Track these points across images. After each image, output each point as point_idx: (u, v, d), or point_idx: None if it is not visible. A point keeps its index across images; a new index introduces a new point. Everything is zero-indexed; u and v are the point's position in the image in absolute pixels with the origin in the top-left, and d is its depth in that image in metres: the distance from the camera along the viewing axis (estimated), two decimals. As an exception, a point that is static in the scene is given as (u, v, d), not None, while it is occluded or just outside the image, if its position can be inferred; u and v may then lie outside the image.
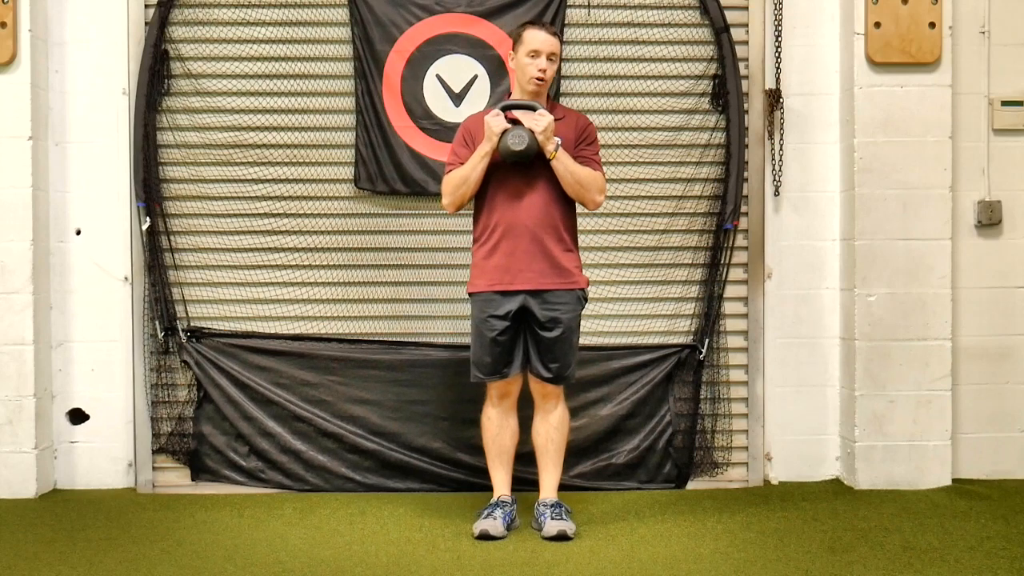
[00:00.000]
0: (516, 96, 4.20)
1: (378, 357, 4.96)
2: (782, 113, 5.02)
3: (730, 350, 5.00)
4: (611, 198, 5.00)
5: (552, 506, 4.18)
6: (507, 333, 4.15)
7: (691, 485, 4.97)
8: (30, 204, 4.80)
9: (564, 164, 4.05)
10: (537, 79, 4.09)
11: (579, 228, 4.99)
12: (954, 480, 4.96)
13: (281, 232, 5.00)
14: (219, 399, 4.93)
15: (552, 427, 4.22)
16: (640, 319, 5.04)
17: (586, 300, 4.24)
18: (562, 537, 4.04)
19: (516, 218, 4.10)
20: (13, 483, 4.79)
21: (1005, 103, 5.06)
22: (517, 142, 4.01)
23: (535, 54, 4.09)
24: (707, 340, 4.94)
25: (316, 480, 4.93)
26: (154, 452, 4.94)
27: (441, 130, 4.94)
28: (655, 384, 4.96)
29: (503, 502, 4.24)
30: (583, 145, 4.16)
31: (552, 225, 4.12)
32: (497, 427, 4.26)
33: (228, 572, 3.68)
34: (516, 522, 4.26)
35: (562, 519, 4.12)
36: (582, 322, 4.26)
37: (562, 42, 4.17)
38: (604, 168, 4.98)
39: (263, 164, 4.99)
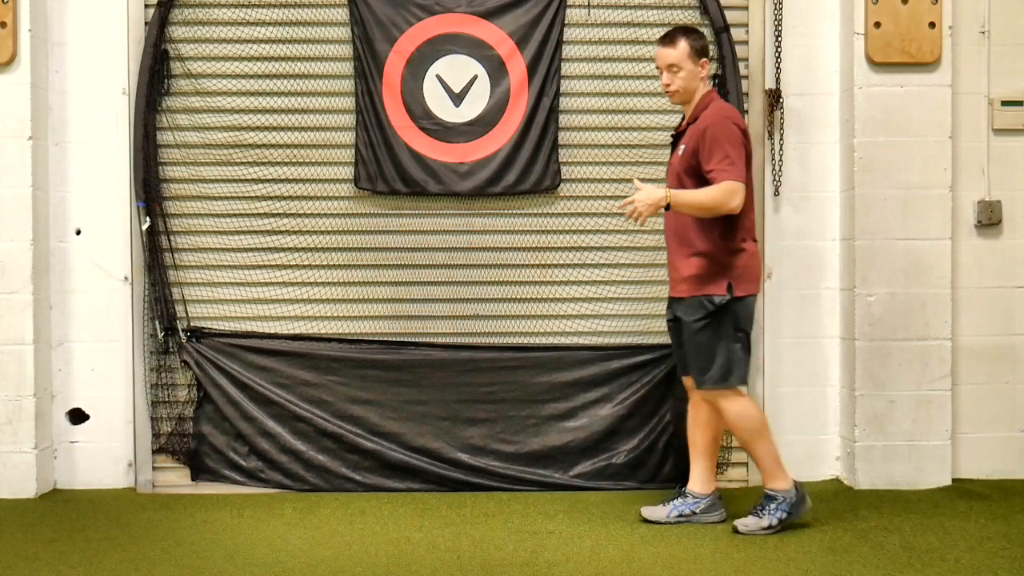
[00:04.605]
0: None
1: (378, 357, 4.96)
2: (782, 113, 5.02)
3: (730, 350, 4.99)
4: (611, 198, 5.00)
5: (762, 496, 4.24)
6: (673, 333, 4.33)
7: (691, 485, 4.97)
8: (30, 204, 4.80)
9: (682, 207, 4.04)
10: (668, 95, 4.26)
11: (579, 228, 5.03)
12: (954, 480, 4.96)
13: (281, 232, 5.00)
14: (219, 399, 4.93)
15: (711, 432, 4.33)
16: (640, 319, 5.04)
17: (714, 305, 4.08)
18: (734, 529, 4.17)
19: (665, 228, 4.30)
20: (13, 483, 4.79)
21: (1005, 103, 5.05)
22: None
23: (659, 71, 4.26)
24: (707, 340, 4.94)
25: (316, 480, 4.93)
26: (154, 452, 4.94)
27: (441, 130, 4.94)
28: (655, 384, 4.96)
29: (682, 492, 4.36)
30: (703, 160, 4.06)
31: (679, 234, 4.18)
32: (689, 420, 4.39)
33: (228, 572, 3.68)
34: (696, 516, 4.29)
35: (750, 513, 4.18)
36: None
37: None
38: (607, 168, 5.02)
39: (263, 164, 4.99)
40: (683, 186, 4.11)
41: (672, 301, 4.28)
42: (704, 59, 4.20)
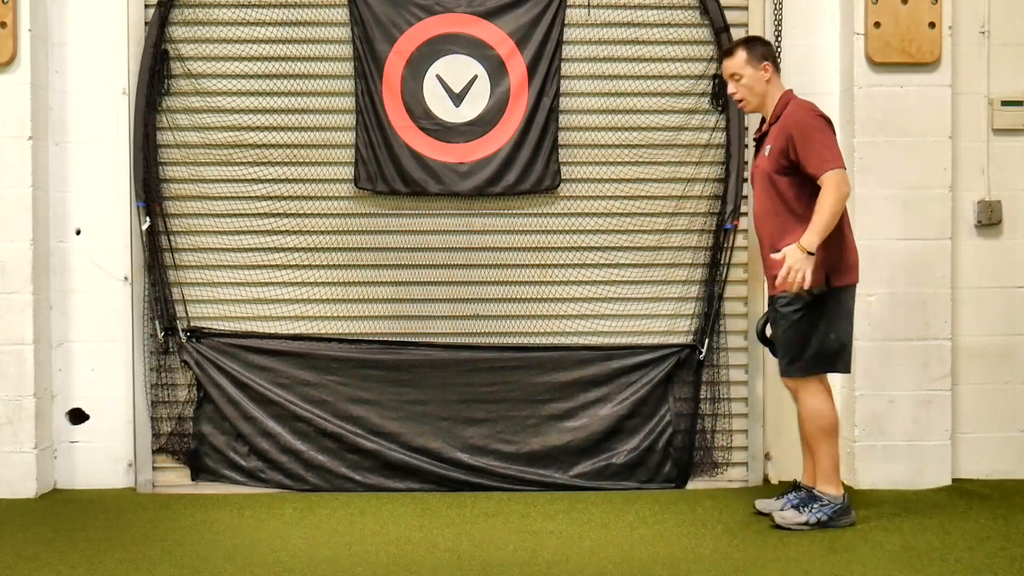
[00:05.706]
0: None
1: (378, 357, 4.96)
2: (782, 113, 5.02)
3: (730, 350, 4.99)
4: (611, 198, 5.01)
5: (798, 493, 4.28)
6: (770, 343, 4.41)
7: (691, 485, 4.97)
8: (30, 204, 4.80)
9: (821, 235, 4.01)
10: (739, 106, 4.42)
11: (579, 228, 5.03)
12: (954, 480, 4.96)
13: (281, 232, 5.00)
14: (219, 399, 4.93)
15: (800, 421, 4.31)
16: (640, 319, 5.04)
17: (811, 295, 4.10)
18: (773, 519, 4.22)
19: (756, 230, 4.41)
20: (13, 483, 4.79)
21: (1005, 103, 5.06)
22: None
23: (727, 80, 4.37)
24: (707, 340, 4.94)
25: (316, 480, 4.93)
26: (154, 452, 4.93)
27: (441, 130, 4.94)
28: (655, 384, 4.96)
29: (797, 484, 4.40)
30: (803, 161, 4.08)
31: (770, 233, 4.23)
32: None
33: (228, 572, 3.68)
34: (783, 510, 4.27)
35: (792, 507, 4.21)
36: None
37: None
38: (607, 168, 5.01)
39: (263, 164, 4.99)
40: (774, 186, 4.17)
41: (771, 301, 4.30)
42: (766, 62, 4.26)
